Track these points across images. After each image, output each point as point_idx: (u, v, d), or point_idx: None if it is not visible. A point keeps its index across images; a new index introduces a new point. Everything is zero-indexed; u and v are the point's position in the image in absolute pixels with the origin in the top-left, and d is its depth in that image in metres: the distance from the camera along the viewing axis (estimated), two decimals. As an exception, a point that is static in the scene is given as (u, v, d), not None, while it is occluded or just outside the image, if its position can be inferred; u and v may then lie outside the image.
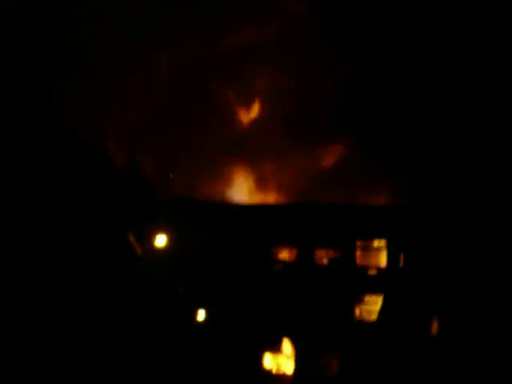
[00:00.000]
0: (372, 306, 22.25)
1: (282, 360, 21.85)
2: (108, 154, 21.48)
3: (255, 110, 24.07)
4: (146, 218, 21.42)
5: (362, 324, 22.13)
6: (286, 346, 21.90)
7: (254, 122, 24.02)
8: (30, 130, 19.68)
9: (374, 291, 22.35)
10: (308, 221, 22.70)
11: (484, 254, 20.98)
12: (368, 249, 22.78)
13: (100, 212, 20.26)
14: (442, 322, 21.24)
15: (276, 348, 21.95)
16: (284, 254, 22.81)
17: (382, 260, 22.63)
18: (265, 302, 22.11)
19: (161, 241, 21.16)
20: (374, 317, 22.15)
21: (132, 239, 20.90)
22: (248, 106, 24.10)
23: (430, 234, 21.89)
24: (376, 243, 22.73)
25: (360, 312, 22.28)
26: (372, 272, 22.53)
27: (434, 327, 21.32)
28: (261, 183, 23.90)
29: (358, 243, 22.76)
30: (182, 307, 21.55)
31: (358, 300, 22.35)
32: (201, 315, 21.72)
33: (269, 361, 21.85)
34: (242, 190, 23.61)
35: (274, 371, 21.80)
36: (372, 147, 22.99)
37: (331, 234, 22.71)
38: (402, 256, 22.38)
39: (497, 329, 20.23)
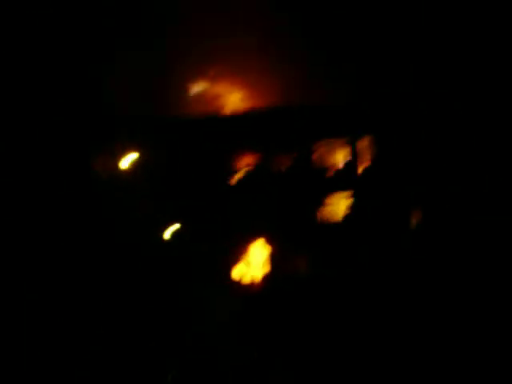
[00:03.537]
0: (334, 207, 22.39)
1: (250, 268, 22.45)
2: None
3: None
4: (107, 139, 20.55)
5: (326, 225, 22.11)
6: (253, 253, 22.39)
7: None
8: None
9: (334, 191, 22.52)
10: (266, 125, 22.22)
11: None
12: (325, 149, 22.58)
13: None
14: (423, 215, 20.96)
15: (242, 257, 22.45)
16: (245, 161, 22.47)
17: (340, 159, 22.60)
18: (229, 212, 22.25)
19: (125, 163, 20.53)
20: (338, 218, 22.12)
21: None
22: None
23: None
24: (333, 143, 22.53)
25: (322, 214, 22.34)
26: (330, 173, 22.57)
27: (414, 220, 21.09)
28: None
29: (314, 144, 22.46)
30: (150, 225, 21.53)
31: (318, 202, 22.53)
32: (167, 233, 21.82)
33: (237, 271, 22.46)
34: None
35: (242, 280, 22.42)
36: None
37: (287, 138, 22.33)
38: (365, 154, 22.34)
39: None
